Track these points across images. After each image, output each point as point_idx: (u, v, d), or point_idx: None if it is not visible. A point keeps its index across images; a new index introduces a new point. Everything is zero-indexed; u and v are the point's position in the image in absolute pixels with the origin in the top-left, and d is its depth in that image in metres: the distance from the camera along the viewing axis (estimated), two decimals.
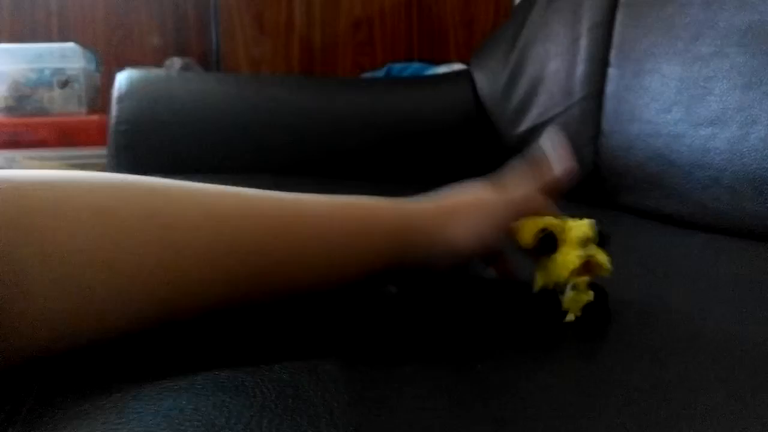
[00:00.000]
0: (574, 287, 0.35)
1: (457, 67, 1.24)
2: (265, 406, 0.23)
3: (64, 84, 1.10)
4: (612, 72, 0.79)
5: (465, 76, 1.02)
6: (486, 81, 0.99)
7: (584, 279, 0.35)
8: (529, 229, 0.38)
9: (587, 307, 0.35)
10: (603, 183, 0.77)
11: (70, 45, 1.10)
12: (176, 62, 1.30)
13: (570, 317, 0.35)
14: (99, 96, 1.18)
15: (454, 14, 1.47)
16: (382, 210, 0.37)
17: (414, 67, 1.31)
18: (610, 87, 0.78)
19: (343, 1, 1.42)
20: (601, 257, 0.36)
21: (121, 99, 0.85)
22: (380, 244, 0.36)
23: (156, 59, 1.38)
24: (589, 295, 0.35)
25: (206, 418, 0.22)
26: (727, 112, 0.62)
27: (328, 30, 1.42)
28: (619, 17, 0.80)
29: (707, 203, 0.63)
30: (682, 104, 0.67)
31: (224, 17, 1.41)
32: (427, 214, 0.38)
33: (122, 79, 0.88)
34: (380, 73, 1.35)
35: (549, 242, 0.37)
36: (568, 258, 0.36)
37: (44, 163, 1.06)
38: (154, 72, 1.07)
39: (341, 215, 0.35)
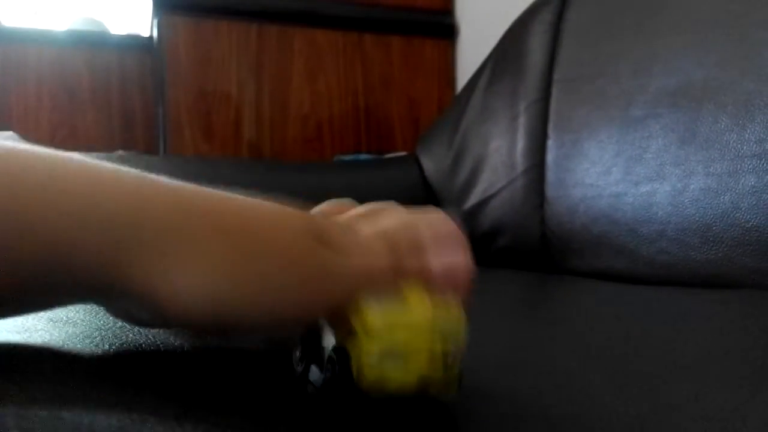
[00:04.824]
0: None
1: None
2: None
3: None
4: (551, 143, 0.81)
5: (412, 160, 1.04)
6: (432, 163, 1.00)
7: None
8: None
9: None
10: (551, 249, 0.76)
11: (9, 133, 1.08)
12: (122, 154, 1.29)
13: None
14: None
15: (401, 112, 1.52)
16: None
17: (362, 159, 1.33)
18: (550, 157, 0.80)
19: (291, 101, 1.46)
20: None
21: None
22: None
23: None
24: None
25: None
26: (665, 167, 0.64)
27: (277, 127, 1.45)
28: (555, 93, 0.83)
29: (655, 257, 0.63)
30: (620, 165, 0.68)
31: (172, 117, 1.42)
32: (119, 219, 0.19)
33: None
34: None
35: None
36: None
37: None
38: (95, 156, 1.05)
39: None
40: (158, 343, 0.27)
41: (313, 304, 0.20)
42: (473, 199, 0.90)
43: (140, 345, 0.27)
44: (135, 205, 0.19)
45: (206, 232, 0.19)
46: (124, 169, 0.21)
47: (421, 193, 0.97)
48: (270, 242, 0.20)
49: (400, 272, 0.22)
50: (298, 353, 0.24)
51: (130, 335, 0.28)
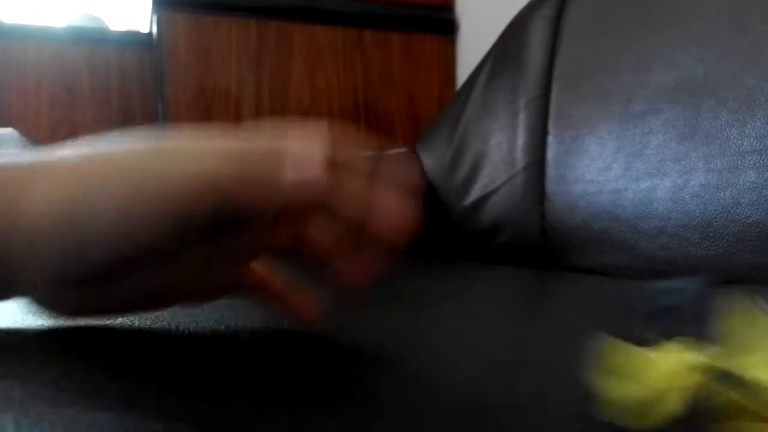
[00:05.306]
0: None
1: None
2: None
3: None
4: (551, 139, 0.80)
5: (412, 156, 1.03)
6: (432, 160, 1.00)
7: None
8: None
9: None
10: (551, 245, 0.76)
11: (9, 130, 1.08)
12: None
13: None
14: None
15: (400, 108, 1.52)
16: None
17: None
18: (551, 153, 0.80)
19: (291, 98, 1.45)
20: None
21: None
22: None
23: None
24: None
25: None
26: (665, 163, 0.63)
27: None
28: (555, 89, 0.83)
29: (655, 253, 0.63)
30: (621, 161, 0.68)
31: (172, 113, 1.41)
32: None
33: None
34: None
35: None
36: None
37: None
38: None
39: None
40: (161, 338, 0.27)
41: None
42: (473, 195, 0.90)
43: (143, 341, 0.27)
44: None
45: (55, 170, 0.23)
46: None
47: (420, 189, 0.97)
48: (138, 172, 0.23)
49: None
50: None
51: (133, 331, 0.28)
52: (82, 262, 0.22)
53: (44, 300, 0.24)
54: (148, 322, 0.29)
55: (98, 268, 0.22)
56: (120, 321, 0.29)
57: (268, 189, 0.22)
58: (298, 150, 0.23)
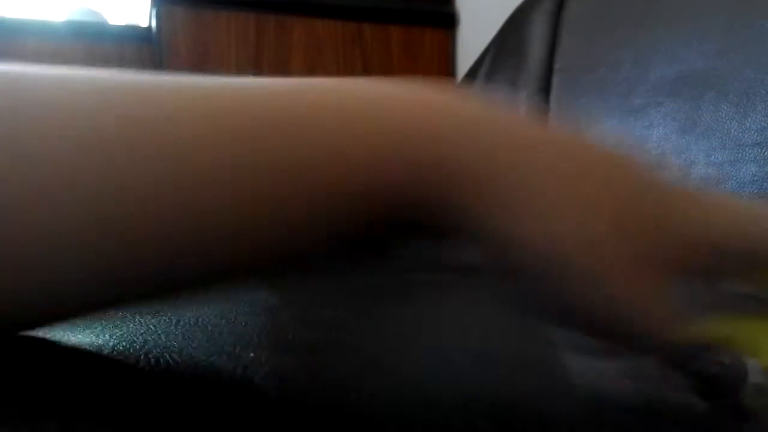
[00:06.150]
0: None
1: None
2: None
3: None
4: None
5: None
6: None
7: None
8: None
9: None
10: None
11: None
12: None
13: None
14: None
15: None
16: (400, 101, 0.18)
17: None
18: None
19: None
20: None
21: None
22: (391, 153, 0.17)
23: None
24: None
25: None
26: (665, 156, 0.63)
27: None
28: (555, 83, 0.83)
29: None
30: None
31: None
32: (500, 127, 0.18)
33: None
34: None
35: None
36: None
37: None
38: None
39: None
40: (160, 333, 0.27)
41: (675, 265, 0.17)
42: None
43: (142, 334, 0.27)
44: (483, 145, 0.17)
45: (551, 172, 0.17)
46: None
47: None
48: (614, 189, 0.17)
49: None
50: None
51: (132, 325, 0.28)
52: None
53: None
54: (149, 318, 0.29)
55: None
56: (119, 313, 0.29)
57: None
58: None
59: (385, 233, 0.19)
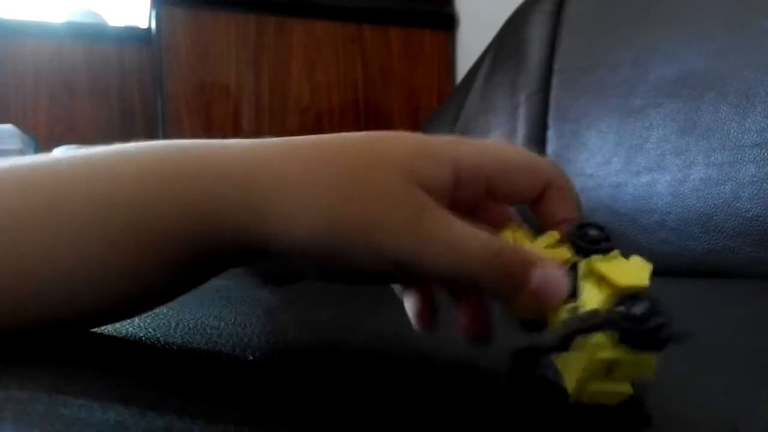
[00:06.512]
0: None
1: None
2: None
3: None
4: (551, 134, 0.80)
5: None
6: None
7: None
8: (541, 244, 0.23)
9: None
10: None
11: (8, 126, 1.08)
12: None
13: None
14: None
15: (400, 103, 1.52)
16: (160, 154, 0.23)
17: None
18: (551, 147, 0.80)
19: (290, 93, 1.45)
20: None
21: None
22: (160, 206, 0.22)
23: None
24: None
25: None
26: (665, 157, 0.63)
27: (276, 119, 1.44)
28: (555, 83, 0.83)
29: (655, 247, 0.63)
30: (621, 155, 0.68)
31: (171, 109, 1.41)
32: (245, 156, 0.23)
33: (58, 152, 0.85)
34: None
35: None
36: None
37: None
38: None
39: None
40: (159, 337, 0.27)
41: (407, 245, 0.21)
42: None
43: (141, 338, 0.27)
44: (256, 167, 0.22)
45: (317, 176, 0.22)
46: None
47: None
48: (369, 186, 0.22)
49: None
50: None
51: (131, 329, 0.28)
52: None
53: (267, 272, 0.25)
54: (149, 320, 0.29)
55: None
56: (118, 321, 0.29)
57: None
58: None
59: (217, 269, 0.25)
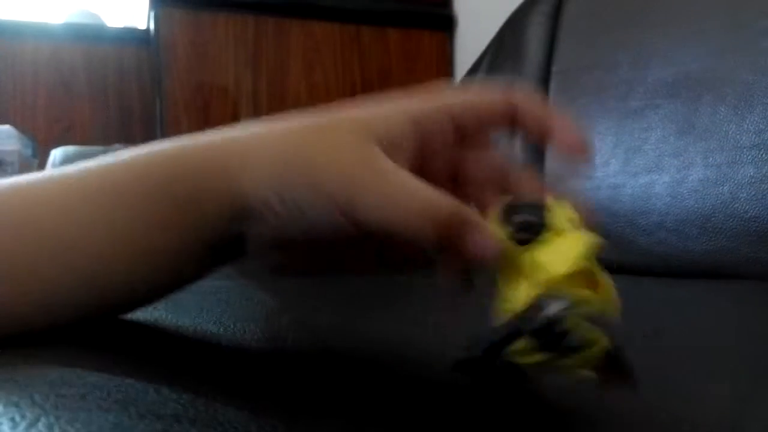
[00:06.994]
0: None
1: None
2: None
3: None
4: None
5: None
6: None
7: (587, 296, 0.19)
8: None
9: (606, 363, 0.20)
10: None
11: (6, 127, 1.07)
12: (119, 148, 1.28)
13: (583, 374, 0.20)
14: None
15: None
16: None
17: None
18: (549, 149, 0.80)
19: (289, 94, 1.45)
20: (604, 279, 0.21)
21: None
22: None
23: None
24: (602, 341, 0.20)
25: None
26: (663, 158, 0.63)
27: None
28: (553, 85, 0.83)
29: (653, 248, 0.63)
30: (619, 156, 0.68)
31: (170, 110, 1.41)
32: (206, 146, 0.26)
33: (57, 153, 0.85)
34: None
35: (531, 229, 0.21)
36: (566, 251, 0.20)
37: None
38: (91, 149, 1.05)
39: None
40: (158, 340, 0.27)
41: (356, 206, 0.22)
42: None
43: (141, 342, 0.27)
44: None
45: (277, 137, 0.25)
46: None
47: None
48: (321, 140, 0.24)
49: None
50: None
51: (130, 332, 0.28)
52: (299, 226, 0.23)
53: (267, 262, 0.27)
54: (148, 324, 0.29)
55: (313, 231, 0.23)
56: (120, 321, 0.29)
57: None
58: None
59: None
